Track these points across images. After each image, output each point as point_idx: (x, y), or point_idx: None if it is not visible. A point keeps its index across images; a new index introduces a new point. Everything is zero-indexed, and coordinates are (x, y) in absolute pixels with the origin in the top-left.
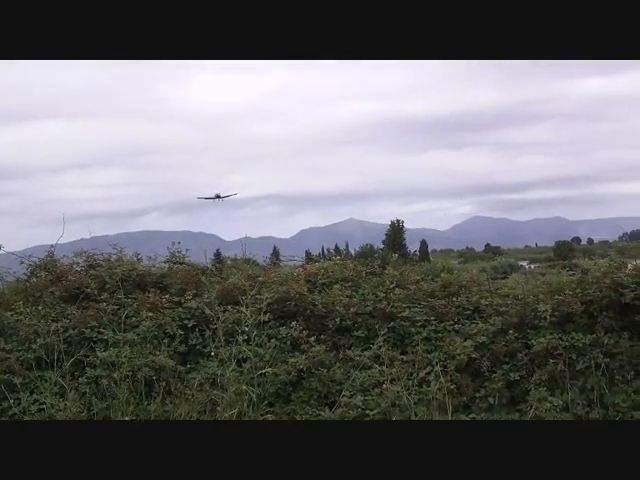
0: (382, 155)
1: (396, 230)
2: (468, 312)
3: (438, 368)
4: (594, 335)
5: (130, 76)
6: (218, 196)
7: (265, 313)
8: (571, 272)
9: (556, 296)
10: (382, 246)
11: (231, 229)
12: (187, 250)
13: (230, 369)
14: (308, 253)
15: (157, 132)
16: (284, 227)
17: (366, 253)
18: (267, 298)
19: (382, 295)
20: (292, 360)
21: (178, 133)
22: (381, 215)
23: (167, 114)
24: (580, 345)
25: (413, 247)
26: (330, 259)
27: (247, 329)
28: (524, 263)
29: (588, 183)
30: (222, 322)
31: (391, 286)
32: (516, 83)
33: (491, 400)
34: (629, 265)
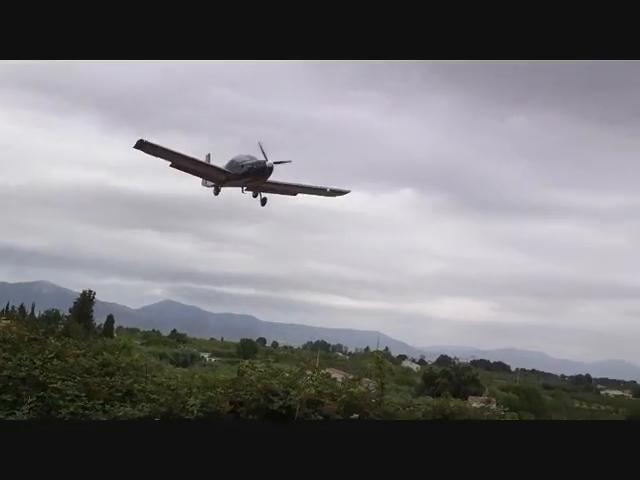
0: (84, 223)
1: (86, 300)
2: (119, 394)
3: None
4: None
5: None
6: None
7: None
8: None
9: (208, 392)
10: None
11: None
12: None
13: None
14: None
15: None
16: None
17: (51, 318)
18: None
19: (39, 363)
20: None
21: None
22: (78, 283)
23: None
24: None
25: (100, 320)
26: None
27: None
28: (206, 355)
29: (286, 288)
30: None
31: (50, 356)
32: None
33: None
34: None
